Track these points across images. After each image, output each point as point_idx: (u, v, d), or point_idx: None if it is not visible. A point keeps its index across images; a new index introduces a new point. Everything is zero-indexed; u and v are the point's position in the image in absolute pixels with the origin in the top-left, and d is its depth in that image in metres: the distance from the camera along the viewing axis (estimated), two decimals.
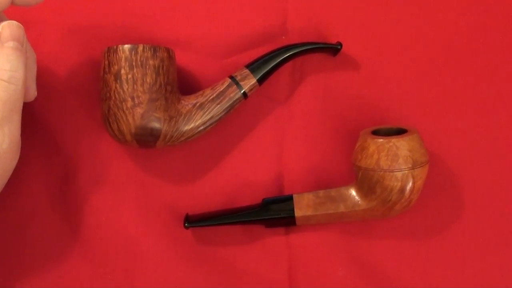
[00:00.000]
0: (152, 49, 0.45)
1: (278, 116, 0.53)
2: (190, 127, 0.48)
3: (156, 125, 0.46)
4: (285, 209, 0.49)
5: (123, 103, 0.45)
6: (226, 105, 0.48)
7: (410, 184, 0.45)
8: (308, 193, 0.49)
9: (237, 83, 0.49)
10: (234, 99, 0.49)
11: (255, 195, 0.52)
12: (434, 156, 0.52)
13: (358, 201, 0.48)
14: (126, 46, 0.45)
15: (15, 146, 0.42)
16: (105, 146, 0.52)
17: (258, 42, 0.52)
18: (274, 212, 0.49)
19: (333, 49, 0.51)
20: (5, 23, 0.41)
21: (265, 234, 0.52)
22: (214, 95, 0.48)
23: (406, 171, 0.44)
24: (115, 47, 0.45)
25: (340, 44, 0.51)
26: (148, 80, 0.45)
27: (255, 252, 0.52)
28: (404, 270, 0.51)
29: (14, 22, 0.41)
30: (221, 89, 0.48)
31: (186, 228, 0.49)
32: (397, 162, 0.44)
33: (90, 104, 0.52)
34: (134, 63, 0.45)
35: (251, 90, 0.49)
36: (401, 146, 0.44)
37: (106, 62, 0.46)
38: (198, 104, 0.48)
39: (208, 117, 0.48)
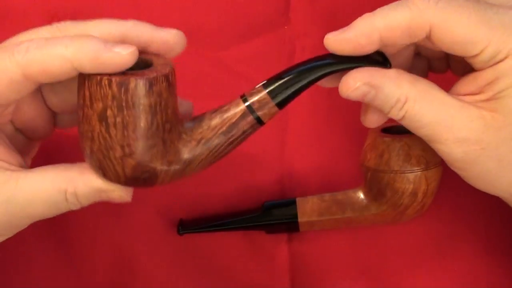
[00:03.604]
0: (147, 84, 0.36)
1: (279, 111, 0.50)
2: (194, 167, 0.40)
3: (151, 175, 0.39)
4: (287, 213, 0.48)
5: (110, 151, 0.37)
6: (239, 140, 0.40)
7: (423, 187, 0.44)
8: (313, 196, 0.48)
9: (252, 112, 0.39)
10: (249, 132, 0.40)
11: (255, 198, 0.51)
12: None
13: (367, 205, 0.47)
14: (114, 80, 0.35)
15: None
16: None
17: (258, 32, 0.51)
18: (276, 217, 0.48)
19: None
20: None
21: (266, 241, 0.51)
22: (224, 128, 0.39)
23: (419, 172, 0.43)
24: (98, 78, 0.35)
25: (389, 63, 0.40)
26: (142, 124, 0.37)
27: (254, 261, 0.51)
28: (418, 280, 0.50)
29: None
30: (234, 120, 0.39)
31: (180, 234, 0.49)
32: (409, 162, 0.43)
33: None
34: (124, 104, 0.36)
35: (271, 118, 0.40)
36: (414, 145, 0.43)
37: (87, 93, 0.37)
38: (203, 141, 0.40)
39: (216, 154, 0.40)
